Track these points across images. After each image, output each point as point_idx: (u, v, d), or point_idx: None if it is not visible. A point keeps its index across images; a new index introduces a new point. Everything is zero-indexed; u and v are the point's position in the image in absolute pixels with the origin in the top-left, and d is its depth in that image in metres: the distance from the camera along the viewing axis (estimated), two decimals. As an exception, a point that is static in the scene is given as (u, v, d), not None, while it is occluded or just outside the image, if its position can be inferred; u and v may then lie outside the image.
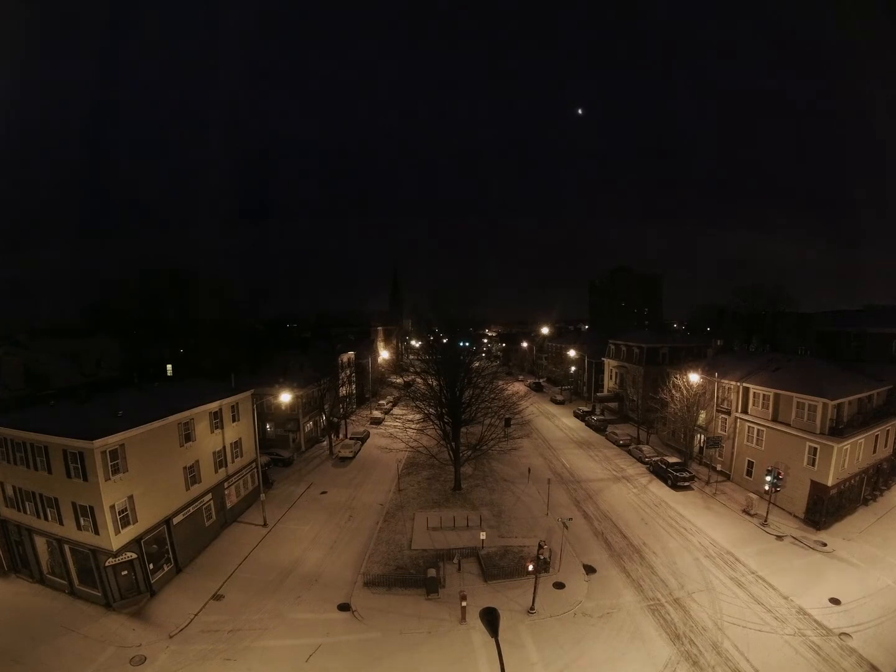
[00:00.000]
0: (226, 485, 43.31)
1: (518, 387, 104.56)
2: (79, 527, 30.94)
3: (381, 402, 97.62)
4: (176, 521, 35.92)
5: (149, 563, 32.78)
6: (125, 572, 31.47)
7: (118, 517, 30.75)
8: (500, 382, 63.86)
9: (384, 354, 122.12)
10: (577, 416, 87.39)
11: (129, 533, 31.45)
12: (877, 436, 44.72)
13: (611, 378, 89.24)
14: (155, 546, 33.76)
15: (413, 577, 34.10)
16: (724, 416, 53.61)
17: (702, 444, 56.19)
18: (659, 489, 50.61)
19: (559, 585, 33.31)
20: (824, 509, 40.42)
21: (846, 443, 40.32)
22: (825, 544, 37.75)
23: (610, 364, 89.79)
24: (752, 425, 48.94)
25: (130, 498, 31.63)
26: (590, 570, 35.40)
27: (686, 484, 50.26)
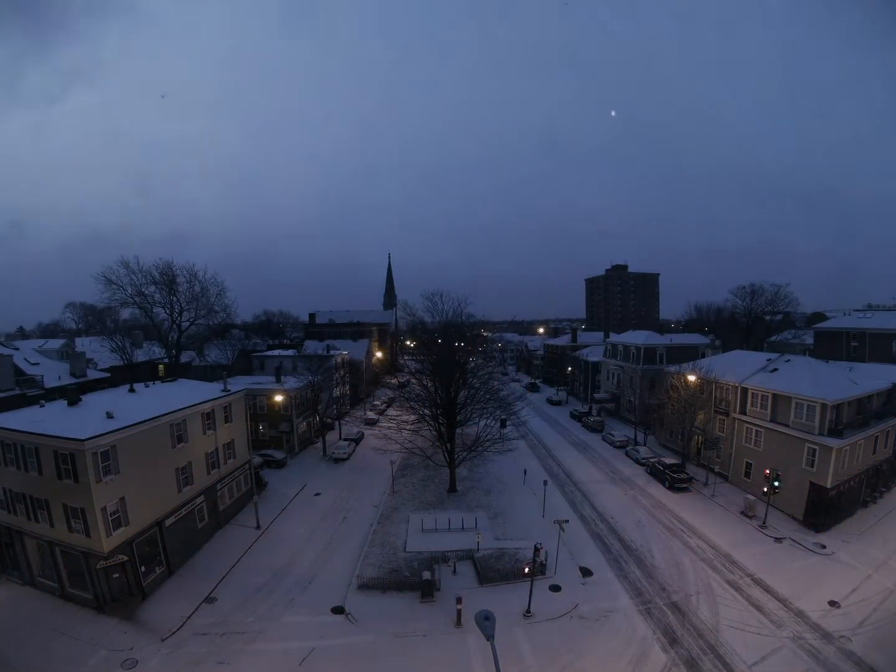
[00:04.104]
0: (219, 486, 42.93)
1: (514, 387, 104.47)
2: (70, 529, 30.51)
3: (376, 402, 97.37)
4: (168, 523, 35.55)
5: (141, 566, 32.42)
6: (117, 575, 31.18)
7: (109, 519, 30.36)
8: (496, 383, 63.51)
9: (378, 355, 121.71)
10: (573, 416, 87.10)
11: (120, 535, 31.04)
12: (876, 437, 44.53)
13: (608, 378, 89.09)
14: (147, 548, 33.38)
15: (408, 579, 33.80)
16: (722, 416, 53.37)
17: (700, 446, 56.01)
18: (656, 491, 50.34)
19: (555, 588, 33.05)
20: (823, 511, 40.22)
21: (845, 444, 40.09)
22: (824, 546, 37.53)
23: (607, 364, 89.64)
24: (750, 426, 48.69)
25: (122, 500, 31.25)
26: (586, 572, 35.14)
27: (684, 486, 49.96)
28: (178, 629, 29.23)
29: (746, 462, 49.03)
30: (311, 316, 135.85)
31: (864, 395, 44.73)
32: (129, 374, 63.10)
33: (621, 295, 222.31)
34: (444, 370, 52.60)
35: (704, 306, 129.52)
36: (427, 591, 32.01)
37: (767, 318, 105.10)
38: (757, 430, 47.80)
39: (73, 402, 35.93)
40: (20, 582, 33.68)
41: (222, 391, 45.47)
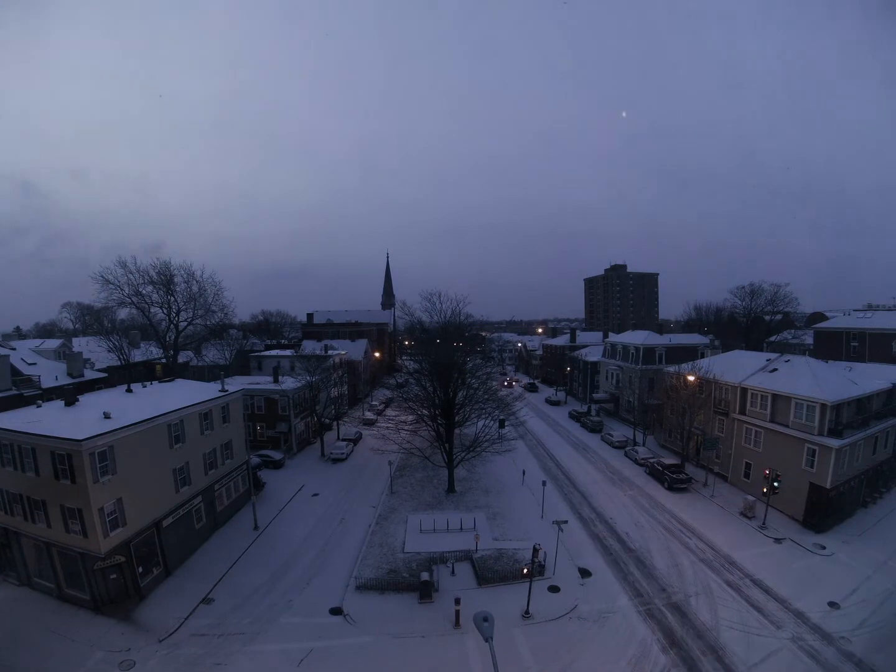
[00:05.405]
0: (216, 487, 42.82)
1: (513, 387, 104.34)
2: (67, 530, 30.33)
3: (374, 403, 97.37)
4: (166, 523, 35.44)
5: (138, 567, 32.27)
6: (114, 575, 31.01)
7: (107, 520, 30.24)
8: (495, 383, 63.47)
9: (377, 355, 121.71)
10: (572, 417, 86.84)
11: (118, 536, 30.91)
12: (876, 437, 44.40)
13: (607, 379, 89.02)
14: (144, 549, 33.21)
15: (406, 580, 33.64)
16: (721, 417, 53.26)
17: (699, 446, 55.90)
18: (655, 491, 50.26)
19: (554, 589, 32.94)
20: (823, 512, 40.12)
21: (845, 444, 39.91)
22: (824, 547, 37.44)
23: (606, 364, 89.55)
24: (749, 426, 48.61)
25: (119, 500, 31.10)
26: (585, 573, 35.04)
27: (683, 486, 49.90)
28: (175, 630, 29.12)
29: (746, 462, 48.94)
30: (309, 316, 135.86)
31: (864, 396, 44.59)
32: (126, 375, 62.99)
33: (620, 295, 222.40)
34: (443, 370, 52.47)
35: (704, 306, 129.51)
36: (425, 591, 31.89)
37: (767, 318, 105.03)
38: (756, 431, 47.70)
39: (70, 403, 35.77)
40: (17, 583, 33.52)
41: (220, 391, 45.38)
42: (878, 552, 36.56)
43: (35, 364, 55.69)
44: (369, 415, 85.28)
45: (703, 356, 70.36)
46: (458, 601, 29.18)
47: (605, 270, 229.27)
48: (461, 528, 40.98)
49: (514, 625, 29.05)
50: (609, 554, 38.06)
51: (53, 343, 69.72)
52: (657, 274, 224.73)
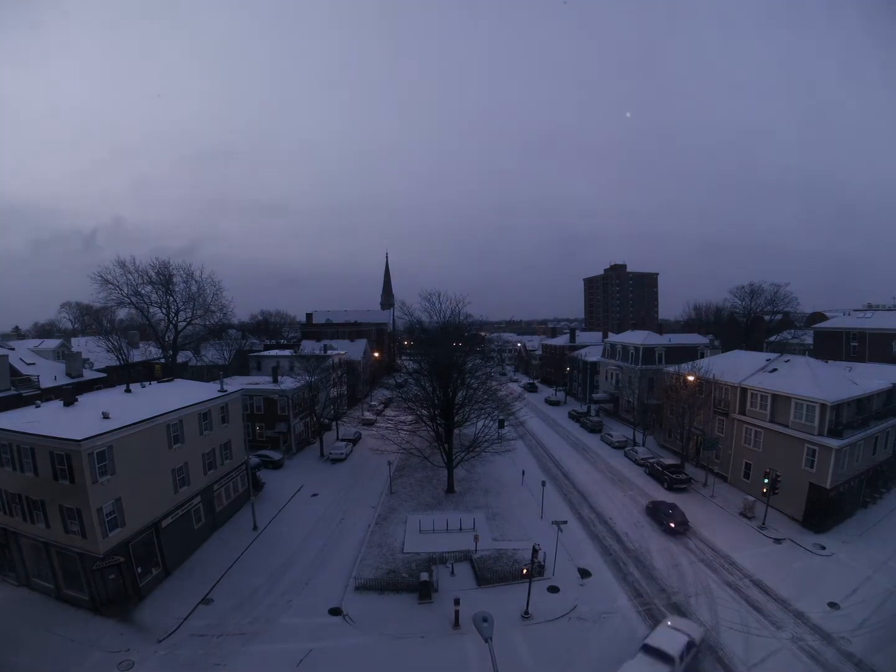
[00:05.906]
0: (215, 487, 42.78)
1: (512, 387, 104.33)
2: (66, 530, 30.29)
3: (374, 403, 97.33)
4: (165, 523, 35.40)
5: (137, 567, 32.24)
6: (113, 576, 30.95)
7: (106, 520, 30.19)
8: (494, 383, 63.39)
9: (376, 355, 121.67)
10: (571, 417, 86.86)
11: (116, 536, 30.87)
12: (876, 437, 44.36)
13: (606, 379, 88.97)
14: (143, 549, 33.18)
15: (406, 581, 33.58)
16: (721, 417, 53.22)
17: (699, 446, 55.85)
18: (655, 491, 50.14)
19: (554, 589, 32.91)
20: (823, 512, 40.09)
21: (845, 444, 39.85)
22: (824, 547, 37.41)
23: (605, 364, 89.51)
24: (749, 426, 48.57)
25: (118, 500, 31.05)
26: (585, 573, 34.99)
27: (682, 486, 49.87)
28: (174, 630, 29.09)
29: (745, 462, 48.90)
30: (309, 316, 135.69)
31: (863, 396, 44.54)
32: (125, 375, 62.91)
33: (620, 295, 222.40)
34: (442, 370, 52.40)
35: (703, 306, 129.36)
36: (425, 592, 31.85)
37: (767, 317, 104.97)
38: (756, 431, 47.65)
39: (69, 403, 35.74)
40: (16, 583, 33.49)
41: (219, 391, 45.34)
42: (878, 552, 36.55)
43: (34, 364, 55.60)
44: (368, 415, 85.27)
45: (702, 356, 70.28)
46: (457, 601, 29.11)
47: (605, 270, 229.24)
48: (461, 529, 40.92)
49: (514, 625, 29.03)
50: (608, 554, 38.04)
51: (52, 343, 69.69)
52: (657, 274, 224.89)
